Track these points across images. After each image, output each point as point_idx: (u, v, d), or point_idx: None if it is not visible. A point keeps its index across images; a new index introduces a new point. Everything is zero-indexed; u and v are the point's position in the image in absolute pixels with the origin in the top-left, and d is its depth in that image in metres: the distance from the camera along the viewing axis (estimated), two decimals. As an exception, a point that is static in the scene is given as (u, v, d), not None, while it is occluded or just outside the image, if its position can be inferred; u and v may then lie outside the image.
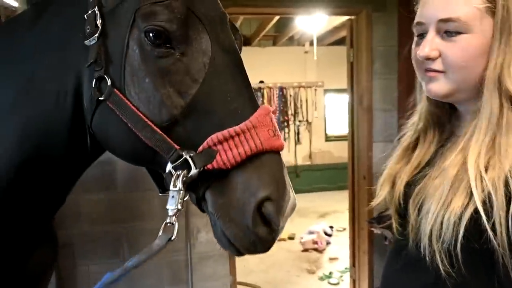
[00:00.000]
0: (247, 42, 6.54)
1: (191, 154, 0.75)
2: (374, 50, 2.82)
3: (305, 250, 4.73)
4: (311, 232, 4.95)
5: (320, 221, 5.57)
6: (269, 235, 0.74)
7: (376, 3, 2.80)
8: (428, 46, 0.82)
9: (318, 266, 4.32)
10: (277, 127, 0.78)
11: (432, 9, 0.82)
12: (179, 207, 0.76)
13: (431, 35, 0.82)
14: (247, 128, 0.73)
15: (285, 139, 7.09)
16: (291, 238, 5.04)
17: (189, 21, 0.78)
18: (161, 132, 0.76)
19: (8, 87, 0.87)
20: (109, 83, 0.79)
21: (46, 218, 1.01)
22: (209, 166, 0.74)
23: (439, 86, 0.84)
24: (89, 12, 0.81)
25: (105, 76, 0.80)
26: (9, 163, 0.86)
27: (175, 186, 0.75)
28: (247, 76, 0.82)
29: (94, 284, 0.72)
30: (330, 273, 4.11)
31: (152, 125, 0.77)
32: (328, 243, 4.90)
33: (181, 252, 2.63)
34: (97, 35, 0.80)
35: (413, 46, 0.88)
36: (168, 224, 0.77)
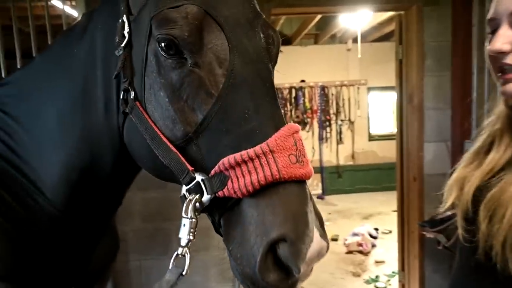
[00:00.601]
0: (288, 41, 6.52)
1: (203, 178, 0.68)
2: (426, 45, 2.69)
3: (349, 252, 4.64)
4: (355, 234, 4.83)
5: (364, 223, 5.43)
6: (283, 282, 0.62)
7: (428, -4, 2.68)
8: (500, 40, 0.79)
9: (363, 269, 4.22)
10: (303, 151, 0.66)
11: (505, 3, 0.79)
12: (191, 237, 0.69)
13: (504, 28, 0.79)
14: (263, 152, 0.63)
15: (326, 139, 6.99)
16: (334, 239, 4.95)
17: (205, 27, 0.69)
18: (175, 151, 0.70)
19: (67, 97, 0.90)
20: (132, 95, 0.76)
21: (104, 218, 1.06)
22: (220, 193, 0.66)
23: None
24: (119, 20, 0.79)
25: (129, 88, 0.77)
26: (72, 167, 0.90)
27: (186, 213, 0.68)
28: (272, 90, 0.71)
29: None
30: (377, 276, 3.99)
31: (168, 143, 0.71)
32: (373, 245, 4.77)
33: (228, 250, 2.67)
34: (123, 45, 0.77)
35: (486, 44, 0.84)
36: (180, 256, 0.70)
